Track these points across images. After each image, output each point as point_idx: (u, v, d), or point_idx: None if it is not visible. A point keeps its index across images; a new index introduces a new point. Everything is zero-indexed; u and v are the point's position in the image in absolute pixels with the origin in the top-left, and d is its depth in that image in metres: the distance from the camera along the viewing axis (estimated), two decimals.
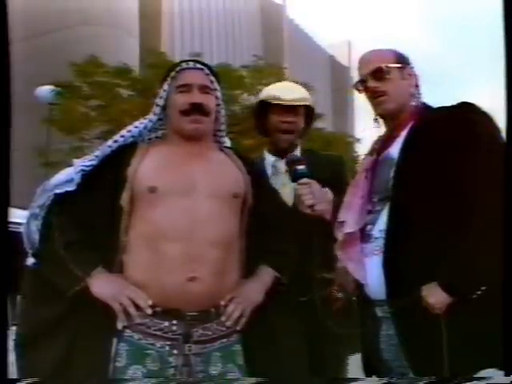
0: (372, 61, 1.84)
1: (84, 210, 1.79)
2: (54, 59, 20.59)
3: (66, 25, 25.40)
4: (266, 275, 1.83)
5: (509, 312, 1.51)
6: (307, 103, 2.42)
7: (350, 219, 1.81)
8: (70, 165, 1.85)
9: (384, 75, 1.81)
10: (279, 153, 2.37)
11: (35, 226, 1.83)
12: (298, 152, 2.36)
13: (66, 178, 1.81)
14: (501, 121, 1.64)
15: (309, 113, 2.44)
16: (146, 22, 30.33)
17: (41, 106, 13.56)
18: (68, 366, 1.73)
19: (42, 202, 1.82)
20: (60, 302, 1.75)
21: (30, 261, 1.84)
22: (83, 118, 13.71)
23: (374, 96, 1.82)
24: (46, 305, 1.77)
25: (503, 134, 1.65)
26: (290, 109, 2.36)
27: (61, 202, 1.80)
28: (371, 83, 1.82)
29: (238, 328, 1.76)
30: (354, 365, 2.04)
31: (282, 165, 2.30)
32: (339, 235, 1.82)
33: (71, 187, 1.79)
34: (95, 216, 1.78)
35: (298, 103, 2.38)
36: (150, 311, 1.69)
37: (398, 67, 1.82)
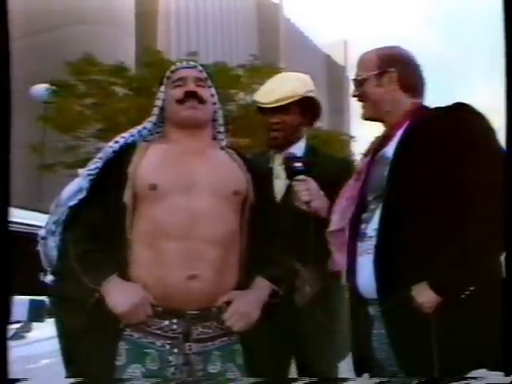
0: (356, 67, 1.88)
1: (95, 214, 1.77)
2: (50, 58, 20.51)
3: (62, 23, 25.29)
4: (262, 290, 1.78)
5: (508, 313, 1.51)
6: (290, 100, 2.30)
7: (334, 218, 1.87)
8: (76, 175, 1.85)
9: (359, 84, 1.86)
10: (273, 148, 2.39)
11: (53, 242, 1.83)
12: (301, 148, 2.35)
13: (75, 188, 1.81)
14: (501, 120, 1.64)
15: (305, 104, 2.34)
16: (143, 21, 30.27)
17: (36, 104, 13.51)
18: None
19: (57, 217, 1.83)
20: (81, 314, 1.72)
21: (49, 278, 1.83)
22: (78, 116, 13.66)
23: (358, 100, 1.88)
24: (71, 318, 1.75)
25: (498, 134, 1.66)
26: (275, 109, 2.31)
27: (77, 212, 1.80)
28: (354, 89, 1.88)
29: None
30: (345, 364, 2.04)
31: (277, 158, 2.34)
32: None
33: (82, 195, 1.79)
34: (105, 218, 1.76)
35: (275, 105, 2.30)
36: (151, 312, 1.68)
37: (375, 74, 1.82)
